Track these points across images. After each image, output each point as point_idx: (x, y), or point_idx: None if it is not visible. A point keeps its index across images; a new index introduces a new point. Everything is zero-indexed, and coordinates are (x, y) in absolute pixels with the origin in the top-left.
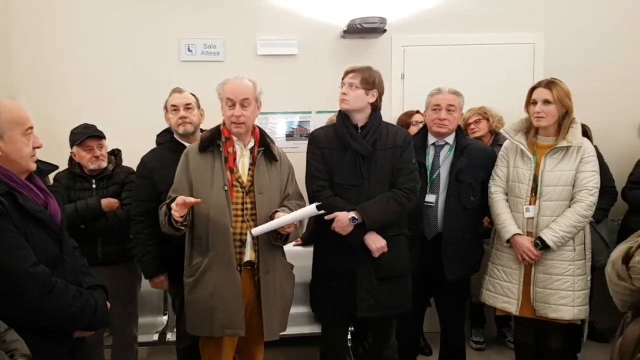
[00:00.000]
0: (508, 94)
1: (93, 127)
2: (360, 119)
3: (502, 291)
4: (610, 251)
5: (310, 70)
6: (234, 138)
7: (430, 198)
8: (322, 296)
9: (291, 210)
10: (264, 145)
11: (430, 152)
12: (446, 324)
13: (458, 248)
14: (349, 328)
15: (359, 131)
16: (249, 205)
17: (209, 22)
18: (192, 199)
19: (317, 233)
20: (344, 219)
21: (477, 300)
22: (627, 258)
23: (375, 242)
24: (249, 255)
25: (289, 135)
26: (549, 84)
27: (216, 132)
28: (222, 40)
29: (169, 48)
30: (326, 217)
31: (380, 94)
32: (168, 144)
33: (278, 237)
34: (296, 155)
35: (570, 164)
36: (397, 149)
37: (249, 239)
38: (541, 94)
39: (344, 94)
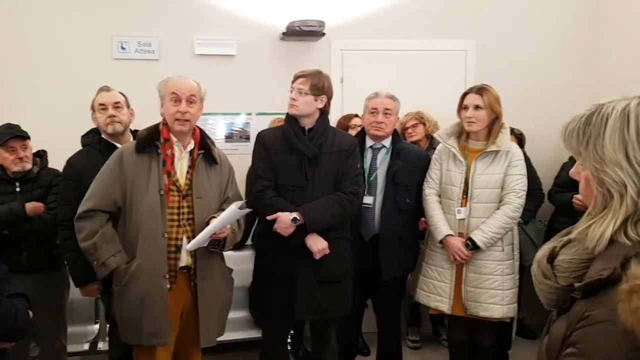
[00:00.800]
0: (442, 99)
1: (17, 127)
2: (308, 122)
3: (435, 290)
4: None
5: (249, 72)
6: (173, 139)
7: (367, 200)
8: (262, 299)
9: None
10: (204, 147)
11: (368, 154)
12: (383, 324)
13: (394, 249)
14: (290, 332)
15: (306, 134)
16: (185, 210)
17: (144, 19)
18: None
19: (258, 235)
20: (285, 220)
21: (414, 300)
22: (551, 257)
23: (317, 244)
24: (185, 260)
25: (229, 137)
26: (480, 90)
27: (155, 132)
28: (158, 39)
29: (101, 45)
30: (268, 218)
31: (329, 99)
32: (97, 145)
33: (215, 244)
34: (236, 157)
35: (499, 167)
36: (342, 153)
37: (184, 244)
38: (472, 99)
39: (294, 99)
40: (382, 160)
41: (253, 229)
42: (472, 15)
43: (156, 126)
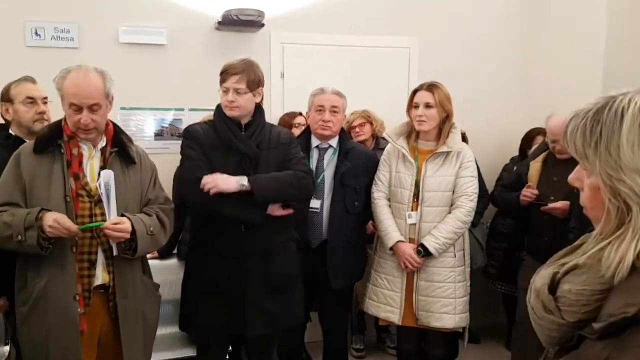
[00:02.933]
0: (386, 97)
1: None
2: (244, 118)
3: (385, 300)
4: (485, 254)
5: (181, 64)
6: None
7: (315, 204)
8: (199, 314)
9: (149, 216)
10: (118, 144)
11: (314, 155)
12: (330, 335)
13: (343, 255)
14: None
15: (243, 130)
16: (99, 218)
17: (61, 2)
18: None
19: (192, 242)
20: (227, 180)
21: (362, 307)
22: (552, 286)
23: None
24: (100, 277)
25: (159, 135)
26: (431, 86)
27: (56, 129)
28: (77, 24)
29: (12, 31)
30: (209, 180)
31: (263, 88)
32: (3, 141)
33: (127, 249)
34: (166, 157)
35: (450, 169)
36: (283, 146)
37: (100, 258)
38: (423, 97)
39: (232, 101)
40: (329, 161)
41: (180, 237)
42: (416, 11)
43: (58, 122)
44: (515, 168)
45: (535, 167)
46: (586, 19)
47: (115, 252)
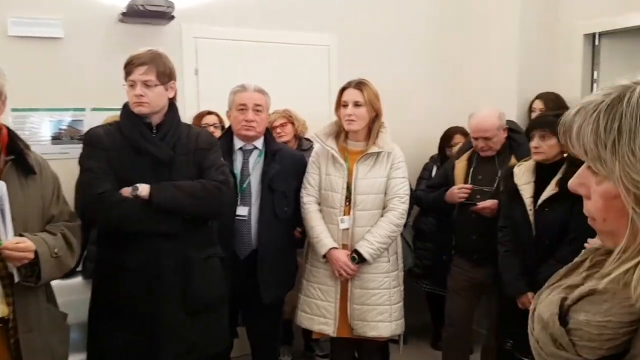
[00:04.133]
0: (306, 96)
1: None
2: (156, 117)
3: (319, 311)
4: (414, 255)
5: (81, 59)
6: None
7: (242, 211)
8: (108, 346)
9: (53, 235)
10: (15, 152)
11: (238, 158)
12: (259, 349)
13: (273, 265)
14: None
15: (154, 132)
16: None
17: None
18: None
19: (100, 258)
20: (126, 190)
21: (288, 316)
22: (561, 315)
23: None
24: None
25: (56, 138)
26: (359, 84)
27: None
28: None
29: None
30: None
31: (176, 83)
32: None
33: (29, 275)
34: (65, 163)
35: (382, 170)
36: (200, 152)
37: None
38: (352, 95)
39: (141, 95)
40: (255, 164)
41: (85, 252)
42: (334, 8)
43: None
44: (435, 167)
45: (460, 165)
46: (501, 21)
47: (16, 279)
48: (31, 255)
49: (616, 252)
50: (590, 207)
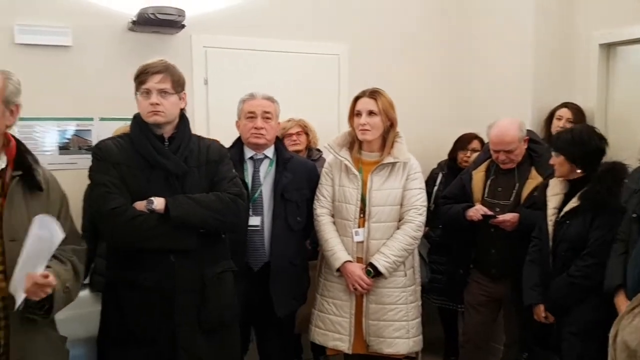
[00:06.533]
0: (316, 105)
1: None
2: (167, 129)
3: (334, 327)
4: (430, 268)
5: (89, 68)
6: None
7: (254, 221)
8: None
9: (63, 264)
10: (22, 167)
11: (249, 167)
12: None
13: (287, 278)
14: None
15: (167, 144)
16: None
17: None
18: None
19: (109, 278)
20: (140, 204)
21: (298, 330)
22: None
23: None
24: None
25: (64, 148)
26: (373, 93)
27: None
28: None
29: None
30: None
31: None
32: None
33: (35, 307)
34: (73, 174)
35: (397, 181)
36: (212, 164)
37: None
38: (365, 104)
39: (157, 104)
40: (267, 173)
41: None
42: (344, 17)
43: None
44: (440, 174)
45: (478, 177)
46: (514, 21)
47: (18, 305)
48: (49, 291)
49: None
50: None
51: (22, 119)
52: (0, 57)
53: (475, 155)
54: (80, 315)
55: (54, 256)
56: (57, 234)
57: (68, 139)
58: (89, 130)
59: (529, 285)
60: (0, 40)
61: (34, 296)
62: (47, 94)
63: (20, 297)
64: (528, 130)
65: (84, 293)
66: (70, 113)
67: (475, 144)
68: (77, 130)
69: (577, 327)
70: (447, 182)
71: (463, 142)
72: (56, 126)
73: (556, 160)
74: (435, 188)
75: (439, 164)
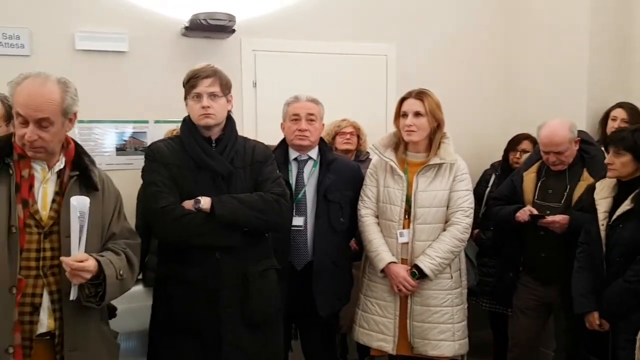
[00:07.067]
0: (363, 106)
1: None
2: (215, 131)
3: (377, 328)
4: (477, 271)
5: (145, 72)
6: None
7: (298, 221)
8: (168, 358)
9: (118, 255)
10: (79, 167)
11: (293, 168)
12: None
13: (330, 278)
14: None
15: (214, 146)
16: (48, 254)
17: (10, 6)
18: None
19: (160, 272)
20: (188, 203)
21: (345, 330)
22: None
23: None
24: (45, 324)
25: (121, 149)
26: (420, 94)
27: (5, 145)
28: (28, 30)
29: None
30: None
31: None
32: None
33: (91, 295)
34: (130, 174)
35: (444, 183)
36: (257, 165)
37: (45, 302)
38: (412, 105)
39: (208, 107)
40: (310, 174)
41: (146, 259)
42: (393, 17)
43: (8, 137)
44: (494, 175)
45: (529, 178)
46: (569, 20)
47: (71, 297)
48: (88, 276)
49: None
50: None
51: (81, 122)
52: (63, 63)
53: (525, 156)
54: (133, 310)
55: (108, 248)
56: (85, 202)
57: (125, 140)
58: (144, 132)
59: (580, 293)
60: (62, 47)
61: (75, 281)
62: (106, 97)
63: (74, 287)
64: (580, 131)
65: (138, 288)
66: (126, 116)
67: (525, 145)
68: (133, 132)
69: (634, 334)
70: (499, 184)
71: (513, 143)
72: (114, 128)
73: (618, 159)
74: (488, 189)
75: (492, 165)
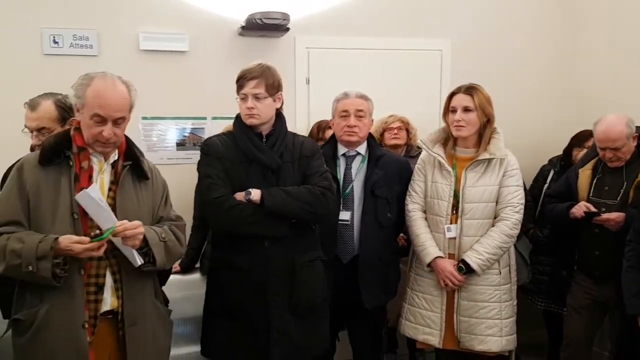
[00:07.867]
0: (417, 103)
1: None
2: (265, 127)
3: (424, 321)
4: (530, 269)
5: (203, 71)
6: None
7: (344, 215)
8: (219, 341)
9: (160, 227)
10: (131, 158)
11: (341, 164)
12: (361, 356)
13: (376, 272)
14: None
15: (264, 141)
16: None
17: (80, 9)
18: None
19: (213, 260)
20: (239, 194)
21: (392, 324)
22: None
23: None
24: (109, 303)
25: (181, 144)
26: (469, 89)
27: (64, 139)
28: (96, 32)
29: (30, 39)
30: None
31: (282, 93)
32: None
33: (146, 261)
34: (189, 168)
35: (493, 178)
36: (305, 159)
37: (108, 281)
38: (461, 100)
39: (252, 108)
40: (358, 170)
41: (203, 249)
42: (447, 12)
43: (66, 132)
44: (552, 171)
45: (584, 175)
46: (628, 19)
47: (138, 262)
48: (142, 236)
49: None
50: None
51: (145, 118)
52: (128, 63)
53: (582, 154)
54: (189, 296)
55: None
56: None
57: (185, 136)
58: (203, 128)
59: (632, 293)
60: (127, 47)
61: (130, 243)
62: (167, 95)
63: (134, 255)
64: (638, 127)
65: (195, 276)
66: (186, 112)
67: (592, 142)
68: (192, 128)
69: None
70: (558, 180)
71: (580, 139)
72: (174, 125)
73: None
74: (546, 186)
75: (550, 161)
